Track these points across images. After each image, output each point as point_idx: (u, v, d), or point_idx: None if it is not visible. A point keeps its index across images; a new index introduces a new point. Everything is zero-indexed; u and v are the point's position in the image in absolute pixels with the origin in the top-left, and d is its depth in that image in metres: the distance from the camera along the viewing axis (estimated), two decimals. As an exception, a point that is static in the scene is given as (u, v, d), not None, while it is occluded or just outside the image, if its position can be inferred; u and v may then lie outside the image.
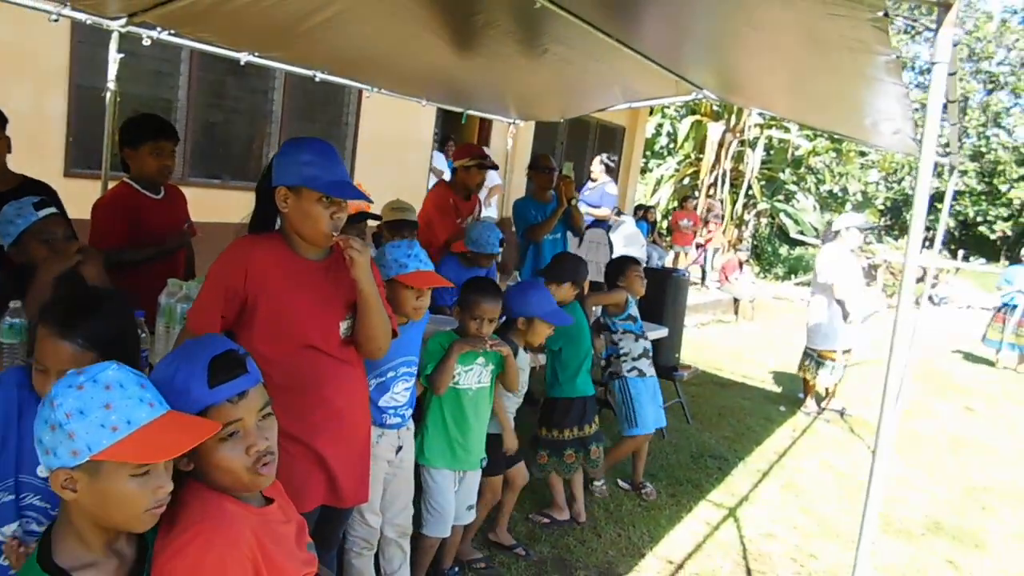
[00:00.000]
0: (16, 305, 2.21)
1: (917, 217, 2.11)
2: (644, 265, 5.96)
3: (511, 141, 6.64)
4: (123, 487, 1.23)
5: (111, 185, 3.64)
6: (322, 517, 2.26)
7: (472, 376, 2.95)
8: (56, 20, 3.39)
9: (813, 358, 6.36)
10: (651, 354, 4.32)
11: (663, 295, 5.64)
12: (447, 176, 8.99)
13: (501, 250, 3.99)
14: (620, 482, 4.35)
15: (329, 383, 2.15)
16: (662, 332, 5.17)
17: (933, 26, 1.93)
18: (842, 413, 6.48)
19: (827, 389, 6.48)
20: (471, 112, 6.24)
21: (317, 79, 4.70)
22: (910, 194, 22.94)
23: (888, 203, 27.67)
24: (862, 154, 19.85)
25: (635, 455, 4.35)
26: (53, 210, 2.65)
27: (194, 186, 6.13)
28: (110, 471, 1.22)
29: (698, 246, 13.08)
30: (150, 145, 3.32)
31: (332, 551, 2.49)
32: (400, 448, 2.73)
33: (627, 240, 8.37)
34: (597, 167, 8.32)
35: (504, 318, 3.19)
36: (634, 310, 4.26)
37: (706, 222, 13.44)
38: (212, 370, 1.37)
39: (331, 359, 2.15)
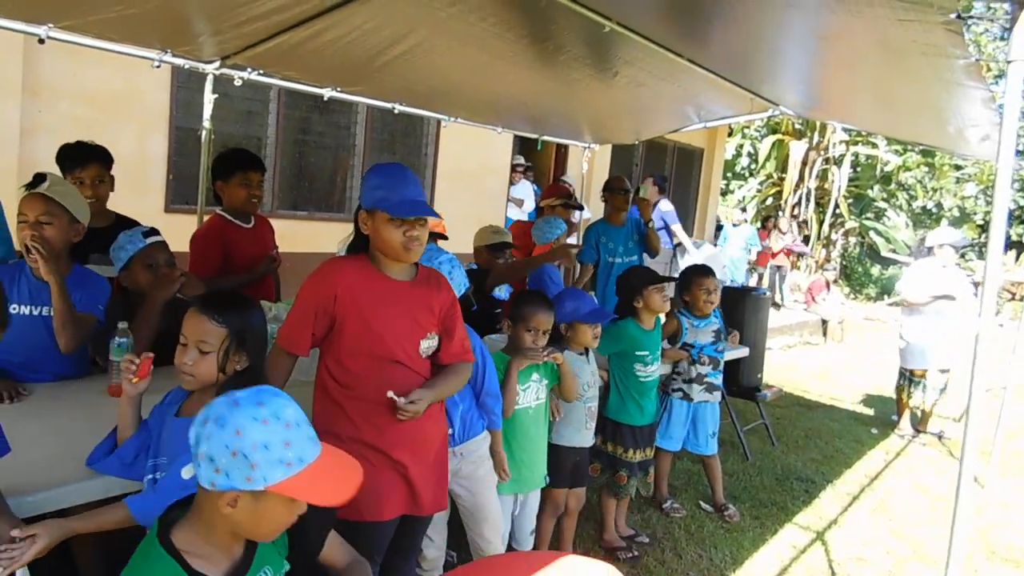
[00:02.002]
0: (123, 326, 2.40)
1: (996, 228, 2.04)
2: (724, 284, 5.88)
3: (587, 165, 6.70)
4: (278, 510, 1.36)
5: (207, 218, 3.88)
6: (402, 525, 2.33)
7: (530, 394, 2.96)
8: (158, 66, 3.67)
9: (907, 378, 6.11)
10: (710, 379, 4.11)
11: (742, 314, 5.53)
12: (528, 205, 9.13)
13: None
14: (702, 504, 4.27)
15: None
16: (742, 352, 5.08)
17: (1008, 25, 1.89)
18: (940, 436, 6.18)
19: (923, 411, 6.20)
20: (547, 138, 6.34)
21: (396, 111, 4.89)
22: (1013, 208, 21.75)
23: (988, 217, 26.22)
24: (957, 167, 18.97)
25: (710, 478, 4.27)
26: (159, 238, 2.86)
27: (282, 218, 6.43)
28: (275, 499, 1.34)
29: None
30: (240, 176, 3.53)
31: (411, 560, 2.55)
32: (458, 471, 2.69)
33: (708, 262, 8.27)
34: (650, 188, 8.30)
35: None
36: (697, 336, 4.07)
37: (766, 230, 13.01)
38: None
39: (411, 372, 2.23)
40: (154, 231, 2.86)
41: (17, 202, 2.56)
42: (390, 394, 2.10)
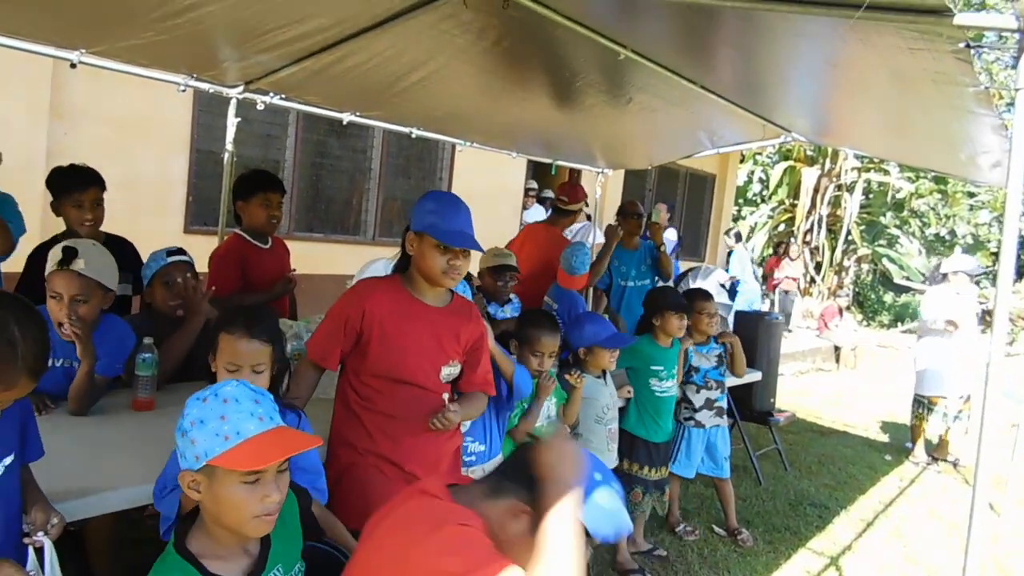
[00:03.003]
0: (148, 341, 2.45)
1: (1006, 255, 2.04)
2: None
3: (600, 190, 6.76)
4: (234, 492, 1.37)
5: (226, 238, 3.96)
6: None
7: (542, 414, 2.99)
8: (184, 90, 3.77)
9: (923, 404, 6.08)
10: (720, 403, 4.13)
11: (755, 338, 5.54)
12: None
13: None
14: (715, 528, 4.26)
15: (425, 415, 2.26)
16: (755, 376, 5.08)
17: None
18: (955, 464, 6.14)
19: (939, 438, 6.16)
20: (560, 162, 6.40)
21: (413, 135, 4.97)
22: (1026, 236, 21.66)
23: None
24: (970, 194, 18.94)
25: (723, 501, 4.26)
26: (180, 257, 2.93)
27: (298, 240, 6.51)
28: (223, 476, 1.36)
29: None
30: (260, 197, 3.60)
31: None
32: None
33: (720, 289, 8.29)
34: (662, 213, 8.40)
35: (566, 353, 3.25)
36: (701, 360, 4.08)
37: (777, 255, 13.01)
38: None
39: (429, 392, 2.28)
40: (180, 251, 2.94)
41: (38, 221, 2.59)
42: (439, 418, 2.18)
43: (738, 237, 12.00)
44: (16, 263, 3.25)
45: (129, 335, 2.58)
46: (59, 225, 3.35)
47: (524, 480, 1.38)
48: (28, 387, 1.45)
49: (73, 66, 3.26)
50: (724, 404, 4.20)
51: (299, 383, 2.26)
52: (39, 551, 1.53)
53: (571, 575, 1.22)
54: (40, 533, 1.54)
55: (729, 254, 12.75)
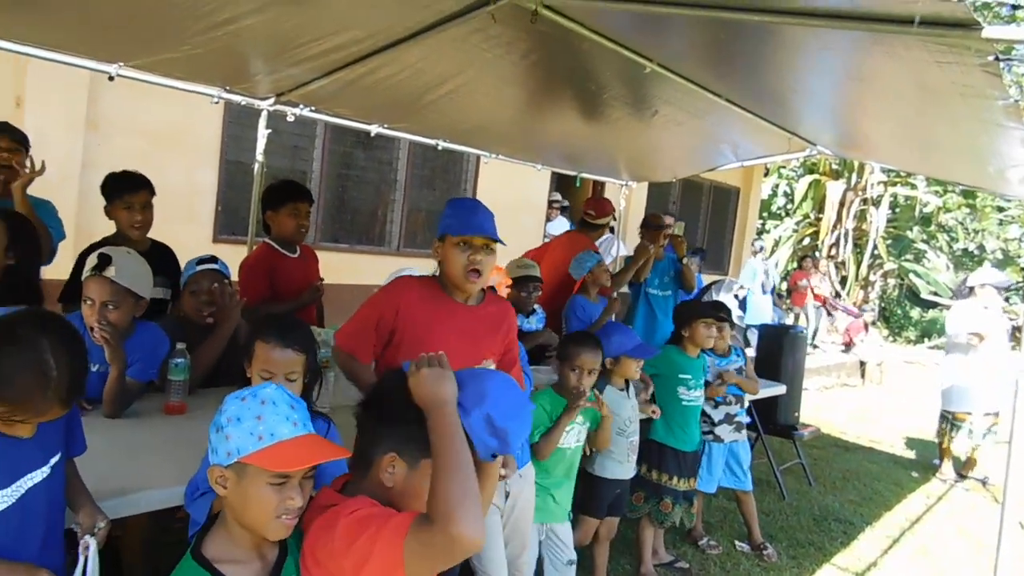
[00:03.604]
0: (181, 346, 2.51)
1: None
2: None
3: (624, 203, 6.77)
4: (261, 491, 1.40)
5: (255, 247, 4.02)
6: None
7: (572, 436, 2.99)
8: (217, 102, 3.86)
9: (948, 420, 6.01)
10: (739, 418, 4.11)
11: (780, 352, 5.52)
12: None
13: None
14: (737, 543, 4.23)
15: None
16: (779, 389, 5.06)
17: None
18: (984, 482, 6.05)
19: (967, 455, 6.07)
20: (584, 175, 6.43)
21: (440, 147, 5.02)
22: (1057, 251, 21.28)
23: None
24: (1000, 209, 18.68)
25: (745, 515, 4.24)
26: (209, 266, 3.00)
27: (324, 250, 6.56)
28: (252, 474, 1.40)
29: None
30: (289, 206, 3.66)
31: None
32: (507, 495, 2.70)
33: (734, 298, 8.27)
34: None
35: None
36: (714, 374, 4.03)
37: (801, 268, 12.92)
38: None
39: None
40: (211, 259, 3.00)
41: (73, 228, 2.67)
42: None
43: (759, 250, 11.91)
44: (56, 270, 3.34)
45: (163, 342, 2.62)
46: (92, 235, 3.44)
47: (388, 420, 1.53)
48: (60, 413, 1.51)
49: (111, 79, 3.35)
50: (744, 418, 4.19)
51: (357, 375, 2.30)
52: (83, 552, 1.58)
53: (464, 476, 1.37)
54: (87, 536, 1.58)
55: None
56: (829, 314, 12.56)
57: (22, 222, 2.73)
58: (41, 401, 1.45)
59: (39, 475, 1.57)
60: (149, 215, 3.40)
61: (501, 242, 2.25)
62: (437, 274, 2.42)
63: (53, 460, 1.60)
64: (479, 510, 1.35)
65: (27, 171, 3.15)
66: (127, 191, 3.33)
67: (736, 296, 8.87)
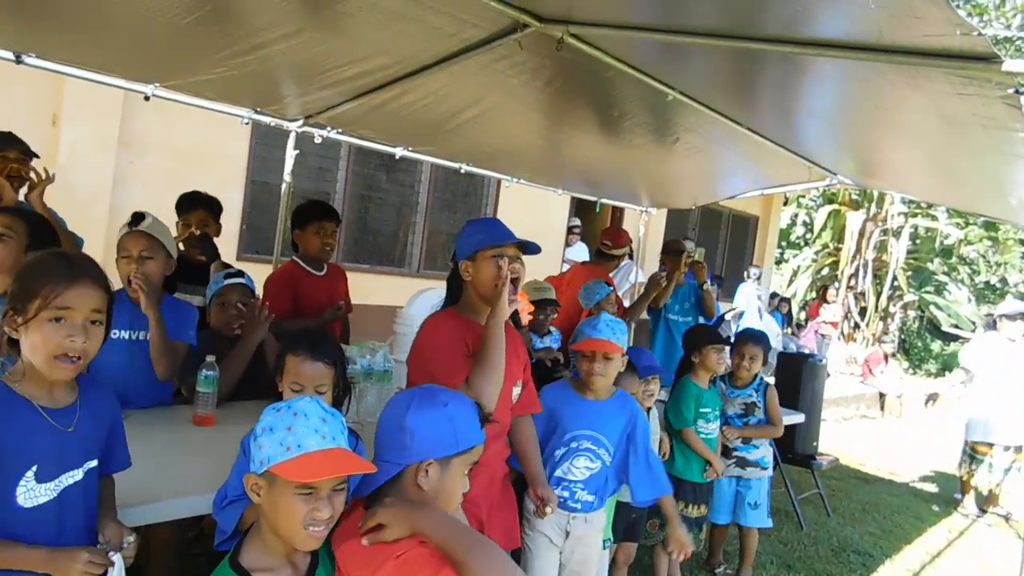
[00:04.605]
0: (211, 359, 2.56)
1: None
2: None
3: (643, 228, 6.80)
4: (288, 501, 1.44)
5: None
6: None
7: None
8: (247, 123, 3.96)
9: (969, 454, 5.94)
10: (741, 453, 3.91)
11: (798, 380, 5.50)
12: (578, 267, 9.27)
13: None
14: (718, 570, 4.14)
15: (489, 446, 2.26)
16: (798, 418, 5.03)
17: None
18: (1007, 518, 5.96)
19: (989, 491, 5.99)
20: (605, 200, 6.48)
21: (463, 171, 5.10)
22: (1082, 286, 21.00)
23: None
24: (1023, 242, 18.52)
25: (742, 548, 4.08)
26: (236, 280, 3.07)
27: (346, 270, 6.65)
28: (281, 484, 1.44)
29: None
30: (315, 225, 3.74)
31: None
32: (568, 535, 2.66)
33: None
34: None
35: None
36: (727, 404, 3.92)
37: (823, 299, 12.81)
38: (480, 415, 1.65)
39: (497, 426, 2.25)
40: (239, 273, 3.08)
41: (103, 242, 2.78)
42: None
43: (755, 276, 11.66)
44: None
45: (191, 310, 2.82)
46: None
47: None
48: (97, 293, 1.56)
49: (147, 99, 3.45)
50: (750, 456, 3.92)
51: None
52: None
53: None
54: (114, 552, 1.59)
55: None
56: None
57: (41, 223, 2.82)
58: (69, 274, 1.51)
59: (78, 474, 1.60)
60: (210, 232, 3.94)
61: (538, 249, 2.26)
62: (444, 302, 2.44)
63: (88, 464, 1.63)
64: None
65: (39, 179, 3.24)
66: (185, 209, 3.87)
67: (726, 319, 8.88)
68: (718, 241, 12.84)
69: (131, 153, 5.72)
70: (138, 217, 2.69)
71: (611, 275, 5.17)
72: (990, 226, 16.49)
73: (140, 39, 2.97)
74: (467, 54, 2.96)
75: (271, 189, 6.29)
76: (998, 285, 19.56)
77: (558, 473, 2.66)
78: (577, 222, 9.77)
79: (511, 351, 2.33)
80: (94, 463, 1.65)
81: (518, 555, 2.59)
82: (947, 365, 16.73)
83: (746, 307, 10.20)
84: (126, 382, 2.49)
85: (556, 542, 2.67)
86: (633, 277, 6.98)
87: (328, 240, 3.79)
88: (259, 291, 3.69)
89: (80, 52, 3.14)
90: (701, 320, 5.38)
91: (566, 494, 2.66)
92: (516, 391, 2.37)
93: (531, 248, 2.29)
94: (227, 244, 6.43)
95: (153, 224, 2.69)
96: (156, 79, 3.38)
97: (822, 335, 12.17)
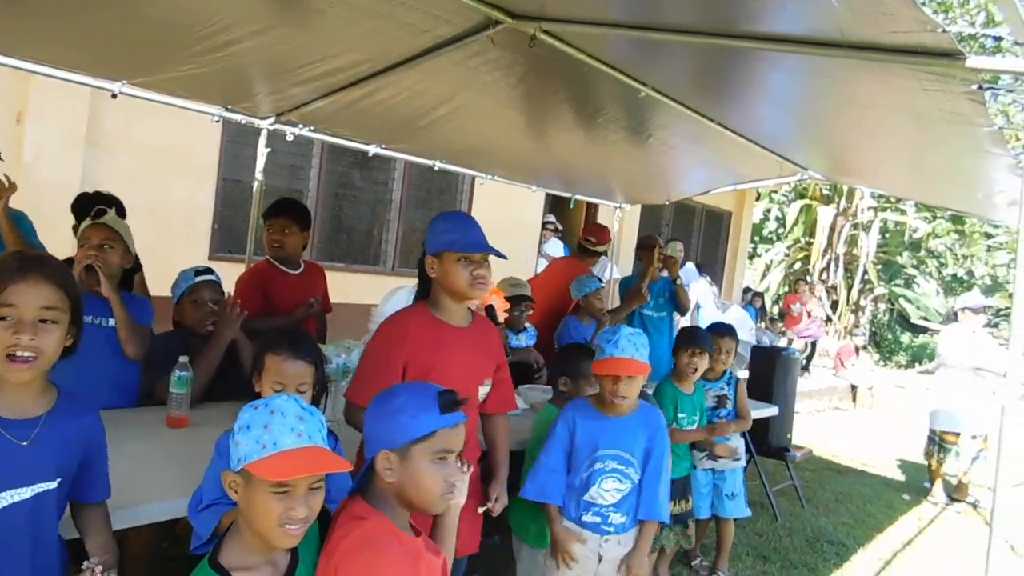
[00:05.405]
0: (184, 360, 2.53)
1: (1020, 294, 2.07)
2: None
3: (617, 225, 6.83)
4: (263, 499, 1.43)
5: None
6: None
7: None
8: (218, 121, 3.91)
9: (935, 442, 6.06)
10: (717, 443, 3.92)
11: (772, 374, 5.56)
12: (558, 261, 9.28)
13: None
14: (695, 562, 4.17)
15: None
16: (771, 411, 5.08)
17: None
18: (975, 505, 6.07)
19: (957, 479, 6.10)
20: (579, 197, 6.50)
21: (436, 168, 5.09)
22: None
23: None
24: (988, 235, 18.88)
25: (719, 539, 4.11)
26: (208, 277, 3.04)
27: (321, 269, 6.62)
28: (256, 482, 1.43)
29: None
30: (269, 222, 3.73)
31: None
32: (601, 559, 2.61)
33: (735, 325, 8.30)
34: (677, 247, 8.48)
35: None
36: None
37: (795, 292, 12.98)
38: (440, 401, 1.63)
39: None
40: (208, 270, 3.04)
41: (70, 242, 2.81)
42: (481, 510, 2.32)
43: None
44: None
45: (146, 301, 2.96)
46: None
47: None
48: (41, 284, 1.51)
49: (114, 96, 3.40)
50: (723, 447, 3.94)
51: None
52: None
53: None
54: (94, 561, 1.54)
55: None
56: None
57: None
58: (16, 271, 1.48)
59: (25, 493, 1.52)
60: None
61: (502, 256, 2.25)
62: (415, 294, 2.42)
63: (41, 486, 1.54)
64: None
65: (1, 188, 3.20)
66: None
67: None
68: (692, 236, 12.94)
69: (99, 152, 5.62)
70: (100, 212, 2.80)
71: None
72: (957, 219, 16.78)
73: (107, 35, 2.92)
74: (440, 51, 2.95)
75: (243, 187, 6.22)
76: (965, 277, 19.91)
77: (587, 497, 2.59)
78: (552, 218, 9.79)
79: (479, 349, 2.33)
80: (51, 486, 1.56)
81: (477, 560, 2.57)
82: (916, 357, 17.03)
83: (703, 303, 10.26)
84: (88, 369, 2.41)
85: (590, 567, 2.61)
86: (608, 274, 7.01)
87: (276, 237, 3.73)
88: (230, 291, 3.66)
89: (46, 49, 3.08)
90: (676, 315, 5.41)
91: (597, 519, 2.59)
92: (483, 390, 2.34)
93: (498, 255, 2.25)
94: (199, 244, 6.37)
95: (114, 218, 2.80)
96: (124, 76, 3.33)
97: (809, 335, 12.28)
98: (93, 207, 3.44)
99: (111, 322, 2.66)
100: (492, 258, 2.28)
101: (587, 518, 2.59)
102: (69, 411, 1.60)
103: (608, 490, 2.59)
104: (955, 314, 6.21)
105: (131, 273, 3.05)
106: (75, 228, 3.45)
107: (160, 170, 5.97)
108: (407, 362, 2.20)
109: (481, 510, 2.34)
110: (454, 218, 2.35)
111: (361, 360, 2.30)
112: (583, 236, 5.31)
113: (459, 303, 2.30)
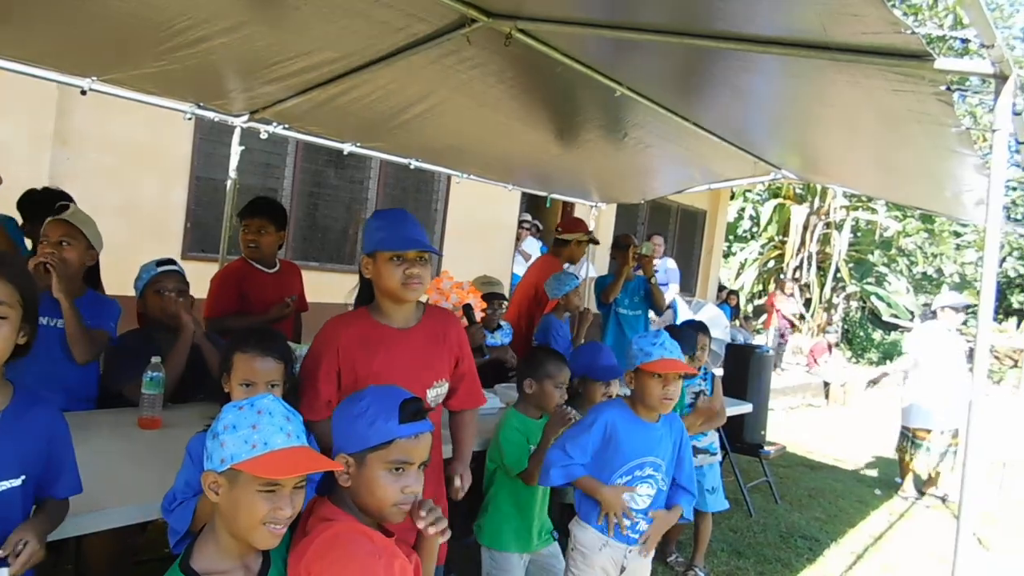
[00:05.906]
0: (156, 360, 2.50)
1: (986, 291, 2.10)
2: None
3: (593, 224, 6.85)
4: (251, 498, 1.43)
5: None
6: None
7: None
8: (190, 118, 3.86)
9: (908, 438, 6.15)
10: (694, 440, 3.90)
11: (746, 371, 5.62)
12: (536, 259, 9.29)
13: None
14: (670, 559, 4.19)
15: None
16: (746, 408, 5.13)
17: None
18: (944, 499, 6.18)
19: (929, 474, 6.20)
20: (555, 196, 6.51)
21: (412, 167, 5.07)
22: (1013, 275, 21.89)
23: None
24: (957, 234, 19.24)
25: (696, 534, 4.15)
26: (170, 267, 2.99)
27: (296, 268, 6.56)
28: (244, 481, 1.42)
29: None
30: (245, 222, 3.70)
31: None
32: (623, 569, 2.61)
33: (710, 323, 8.36)
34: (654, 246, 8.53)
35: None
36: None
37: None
38: (403, 410, 1.60)
39: None
40: (170, 261, 3.01)
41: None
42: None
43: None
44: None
45: (113, 303, 2.86)
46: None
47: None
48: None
49: (84, 93, 3.34)
50: (699, 443, 4.04)
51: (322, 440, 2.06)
52: None
53: None
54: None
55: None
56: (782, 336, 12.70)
57: None
58: None
59: None
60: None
61: (436, 252, 2.17)
62: (355, 296, 2.35)
63: (4, 484, 1.51)
64: None
65: None
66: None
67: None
68: (667, 235, 13.01)
69: (68, 150, 5.53)
70: (62, 207, 2.74)
71: (565, 267, 5.21)
72: (927, 218, 17.08)
73: (76, 31, 2.87)
74: (415, 49, 2.93)
75: (217, 186, 6.15)
76: (934, 275, 20.27)
77: None
78: (528, 217, 9.80)
79: (427, 349, 2.25)
80: (15, 483, 1.55)
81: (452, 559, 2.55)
82: (887, 354, 17.28)
83: (678, 301, 10.35)
84: (40, 369, 2.37)
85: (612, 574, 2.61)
86: (584, 272, 7.03)
87: (252, 237, 3.70)
88: (203, 291, 3.62)
89: (11, 44, 3.02)
90: (652, 314, 5.46)
91: (626, 522, 2.59)
92: (432, 392, 2.24)
93: (433, 252, 2.18)
94: (172, 243, 6.29)
95: (76, 213, 2.74)
96: (93, 72, 3.27)
97: (780, 334, 12.39)
98: (42, 204, 3.41)
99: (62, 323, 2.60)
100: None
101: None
102: (28, 406, 1.58)
103: (642, 495, 2.61)
104: (933, 312, 6.30)
105: (97, 269, 2.98)
106: (22, 227, 3.45)
107: (131, 168, 5.88)
108: (339, 370, 2.13)
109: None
110: (387, 215, 2.23)
111: (301, 370, 2.21)
112: (556, 228, 5.40)
113: (397, 304, 2.20)
